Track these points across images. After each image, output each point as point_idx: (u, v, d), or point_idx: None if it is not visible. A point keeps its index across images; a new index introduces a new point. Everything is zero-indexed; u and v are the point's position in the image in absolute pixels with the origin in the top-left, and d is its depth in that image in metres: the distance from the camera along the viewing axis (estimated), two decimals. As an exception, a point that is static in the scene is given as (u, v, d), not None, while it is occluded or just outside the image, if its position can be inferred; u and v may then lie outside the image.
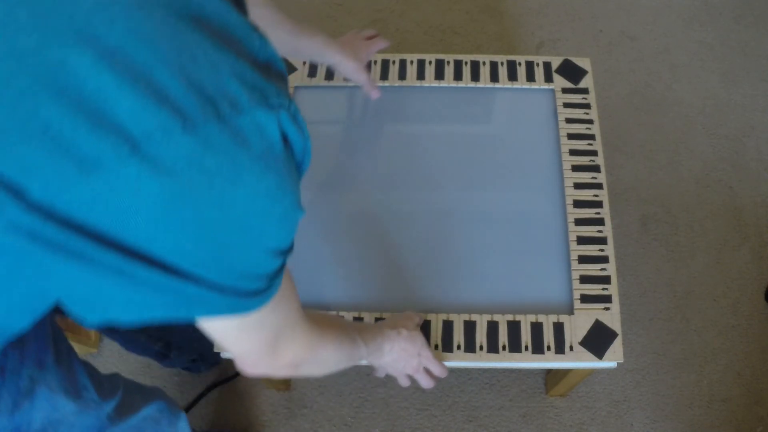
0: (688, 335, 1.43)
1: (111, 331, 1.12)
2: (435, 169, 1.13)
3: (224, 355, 0.99)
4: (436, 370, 0.94)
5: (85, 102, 0.38)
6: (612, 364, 0.97)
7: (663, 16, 1.86)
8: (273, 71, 0.46)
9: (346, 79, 1.14)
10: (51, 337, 0.72)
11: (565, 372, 1.17)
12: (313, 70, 1.21)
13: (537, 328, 0.98)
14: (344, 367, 0.80)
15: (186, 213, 0.41)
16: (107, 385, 0.81)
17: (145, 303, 0.45)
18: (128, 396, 0.85)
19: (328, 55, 1.03)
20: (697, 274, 1.49)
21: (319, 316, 0.73)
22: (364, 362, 0.87)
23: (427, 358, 0.93)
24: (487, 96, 1.20)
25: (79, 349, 1.34)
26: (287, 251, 0.52)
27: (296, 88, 1.21)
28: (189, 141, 0.39)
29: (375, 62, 1.22)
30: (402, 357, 0.91)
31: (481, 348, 0.97)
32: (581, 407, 1.36)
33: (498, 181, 1.11)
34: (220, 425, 1.35)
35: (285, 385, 1.36)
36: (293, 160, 0.48)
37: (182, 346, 1.25)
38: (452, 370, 1.37)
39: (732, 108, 1.71)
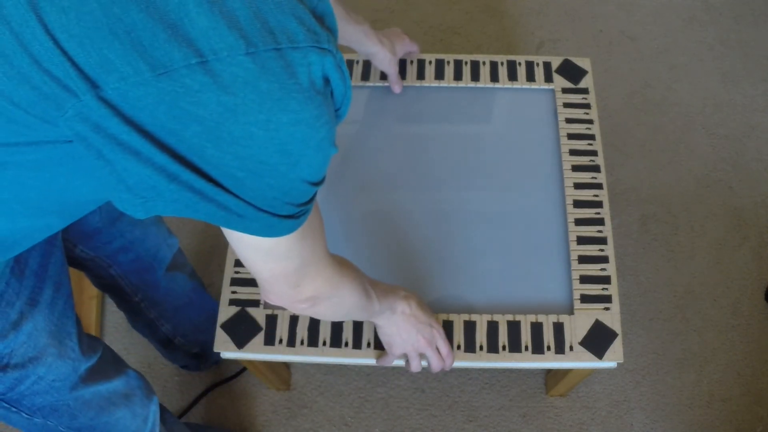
0: (688, 335, 1.43)
1: (121, 299, 1.13)
2: (435, 169, 1.13)
3: (224, 355, 0.99)
4: (445, 350, 0.93)
5: (167, 14, 0.42)
6: (612, 364, 0.97)
7: (663, 16, 1.86)
8: (326, 24, 0.50)
9: (371, 75, 1.14)
10: (53, 279, 0.76)
11: (565, 372, 1.17)
12: (366, 72, 1.22)
13: (537, 329, 0.98)
14: (355, 318, 0.83)
15: (236, 129, 0.46)
16: (88, 343, 0.84)
17: (188, 205, 0.50)
18: (104, 362, 0.87)
19: (368, 44, 1.07)
20: (697, 274, 1.49)
21: (341, 258, 0.76)
22: (373, 320, 0.88)
23: (439, 332, 0.93)
24: (488, 96, 1.20)
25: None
26: (319, 182, 0.56)
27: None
28: (249, 63, 0.44)
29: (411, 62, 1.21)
30: (413, 325, 0.90)
31: (481, 348, 0.96)
32: (581, 407, 1.36)
33: (498, 181, 1.11)
34: (220, 425, 1.35)
35: (285, 385, 1.36)
36: (332, 102, 0.52)
37: (187, 334, 1.25)
38: (452, 370, 1.37)
39: (732, 108, 1.71)
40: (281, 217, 0.54)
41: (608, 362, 0.96)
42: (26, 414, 0.77)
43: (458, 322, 0.99)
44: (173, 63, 0.43)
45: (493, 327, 0.98)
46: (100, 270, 1.04)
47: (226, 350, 0.98)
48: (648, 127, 1.68)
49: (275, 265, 0.63)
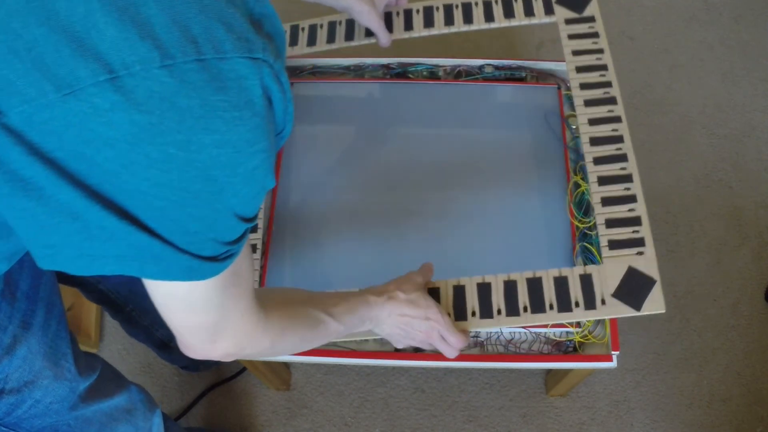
0: (688, 335, 1.43)
1: (114, 311, 1.13)
2: (435, 167, 1.13)
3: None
4: (452, 339, 0.84)
5: (71, 26, 0.38)
6: (612, 364, 0.97)
7: (663, 16, 1.86)
8: (264, 29, 0.45)
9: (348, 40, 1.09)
10: (45, 300, 0.74)
11: (565, 372, 1.17)
12: (312, 38, 1.16)
13: (561, 283, 0.87)
14: (312, 347, 0.76)
15: (153, 151, 0.41)
16: (85, 362, 0.82)
17: (97, 251, 0.45)
18: (103, 380, 0.85)
19: None
20: (697, 274, 1.49)
21: (277, 298, 0.70)
22: (365, 332, 0.83)
23: (439, 322, 0.83)
24: (489, 93, 1.20)
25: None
26: (250, 219, 0.50)
27: (294, 84, 1.21)
28: (165, 77, 0.39)
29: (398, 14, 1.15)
30: (404, 324, 0.82)
31: (499, 312, 0.86)
32: (581, 407, 1.36)
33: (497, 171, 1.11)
34: (220, 425, 1.35)
35: (285, 385, 1.36)
36: (272, 122, 0.47)
37: None
38: (452, 371, 1.37)
39: (732, 108, 1.71)
40: (203, 258, 0.48)
41: (648, 312, 0.83)
42: None
43: (471, 286, 0.91)
44: (80, 81, 0.38)
45: (510, 287, 0.89)
46: (89, 286, 1.04)
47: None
48: (648, 127, 1.68)
49: (190, 316, 0.56)
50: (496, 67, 1.22)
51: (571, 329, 1.00)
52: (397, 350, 0.99)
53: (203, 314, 0.57)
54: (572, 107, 1.19)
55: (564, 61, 1.24)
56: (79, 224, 0.44)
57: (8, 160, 0.41)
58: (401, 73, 1.22)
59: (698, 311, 1.46)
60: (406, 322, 0.83)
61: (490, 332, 1.00)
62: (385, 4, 1.10)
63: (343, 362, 1.00)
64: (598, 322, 1.01)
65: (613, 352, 0.98)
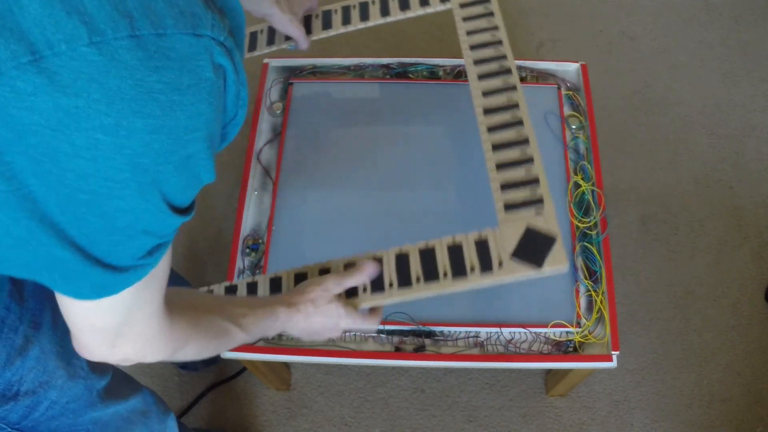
0: (688, 335, 1.43)
1: None
2: (435, 167, 1.13)
3: (224, 354, 0.99)
4: (365, 328, 0.82)
5: None
6: (612, 364, 0.97)
7: (663, 16, 1.86)
8: (217, 3, 0.42)
9: (287, 38, 1.08)
10: (51, 300, 0.72)
11: (565, 372, 1.17)
12: (271, 38, 1.12)
13: (455, 250, 0.83)
14: (213, 355, 0.72)
15: (78, 138, 0.38)
16: (97, 362, 0.81)
17: (4, 253, 0.43)
18: (117, 382, 0.84)
19: (263, 5, 0.99)
20: (697, 274, 1.49)
21: (184, 303, 0.66)
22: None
23: (348, 326, 0.80)
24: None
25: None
26: (183, 211, 0.47)
27: (294, 84, 1.21)
28: (93, 55, 0.36)
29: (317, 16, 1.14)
30: (312, 332, 0.79)
31: (391, 285, 0.83)
32: (581, 407, 1.36)
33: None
34: (220, 425, 1.35)
35: (285, 385, 1.36)
36: (222, 109, 0.44)
37: None
38: (452, 371, 1.37)
39: (732, 108, 1.71)
40: (120, 270, 0.45)
41: (550, 270, 0.78)
42: None
43: (388, 257, 0.86)
44: (0, 63, 0.35)
45: (402, 260, 0.85)
46: None
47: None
48: (648, 127, 1.68)
49: (92, 318, 0.53)
50: (496, 67, 1.22)
51: (571, 329, 1.00)
52: (397, 350, 1.00)
53: (108, 317, 0.53)
54: (572, 107, 1.19)
55: (564, 61, 1.24)
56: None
57: None
58: (401, 73, 1.22)
59: (698, 311, 1.46)
60: (315, 330, 0.80)
61: (490, 332, 1.01)
62: (305, 10, 1.09)
63: (343, 362, 1.00)
64: (598, 321, 1.01)
65: (613, 352, 0.98)
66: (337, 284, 0.80)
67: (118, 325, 0.54)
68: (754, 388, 1.38)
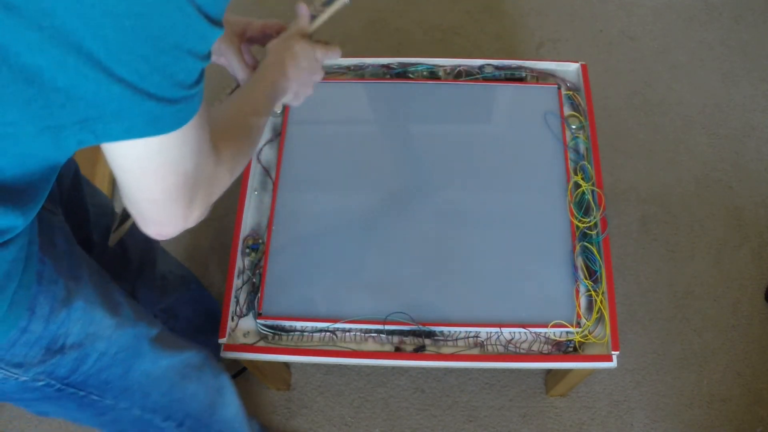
0: (688, 335, 1.43)
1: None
2: (434, 166, 1.13)
3: (224, 354, 0.99)
4: (336, 54, 0.84)
5: None
6: (612, 364, 0.97)
7: (663, 16, 1.86)
8: None
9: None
10: (84, 258, 0.73)
11: (565, 372, 1.17)
12: None
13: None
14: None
15: None
16: (145, 312, 0.80)
17: (56, 121, 0.44)
18: (167, 334, 0.83)
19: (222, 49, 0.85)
20: (697, 274, 1.49)
21: (218, 125, 0.64)
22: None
23: (325, 58, 0.82)
24: (489, 93, 1.20)
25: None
26: (215, 21, 0.48)
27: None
28: None
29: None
30: (302, 79, 0.80)
31: None
32: (581, 407, 1.36)
33: (497, 181, 1.11)
34: (220, 425, 1.35)
35: (285, 385, 1.36)
36: None
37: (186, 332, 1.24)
38: (452, 371, 1.37)
39: (732, 108, 1.71)
40: (169, 100, 0.46)
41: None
42: (96, 395, 0.74)
43: None
44: None
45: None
46: None
47: (229, 349, 0.99)
48: (648, 127, 1.68)
49: (167, 173, 0.53)
50: (496, 67, 1.22)
51: (571, 329, 1.00)
52: (397, 350, 1.00)
53: (181, 165, 0.53)
54: (572, 107, 1.19)
55: (564, 61, 1.24)
56: (35, 90, 0.42)
57: None
58: (401, 73, 1.22)
59: (698, 311, 1.46)
60: (302, 78, 0.80)
61: (490, 332, 1.01)
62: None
63: (343, 362, 1.01)
64: (598, 321, 1.01)
65: (613, 352, 0.98)
66: (294, 32, 0.82)
67: (192, 172, 0.55)
68: (754, 388, 1.38)
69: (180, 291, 1.18)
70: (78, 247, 0.74)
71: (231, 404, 0.94)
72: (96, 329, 0.71)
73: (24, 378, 0.66)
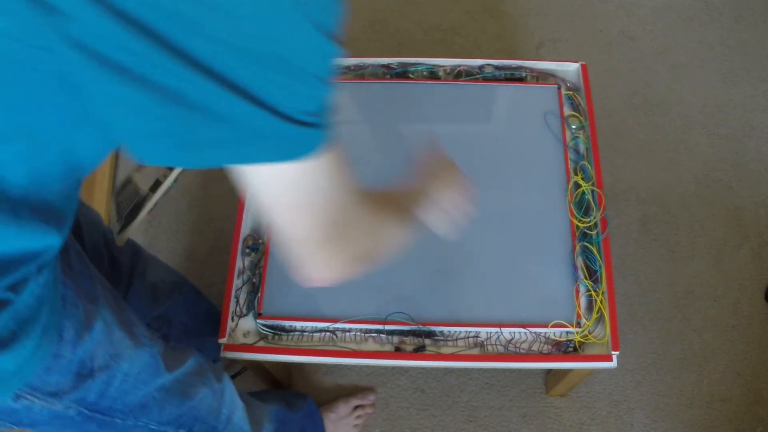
0: (688, 335, 1.43)
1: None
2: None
3: (224, 354, 0.99)
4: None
5: None
6: (612, 364, 0.97)
7: (663, 16, 1.86)
8: None
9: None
10: (95, 275, 0.73)
11: (565, 372, 1.17)
12: None
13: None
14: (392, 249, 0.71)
15: None
16: (148, 330, 0.80)
17: (197, 138, 0.43)
18: (170, 347, 0.83)
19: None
20: (697, 274, 1.49)
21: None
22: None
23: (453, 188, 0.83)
24: (489, 93, 1.20)
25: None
26: (327, 81, 0.47)
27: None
28: None
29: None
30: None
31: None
32: (581, 407, 1.36)
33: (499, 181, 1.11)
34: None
35: (285, 385, 1.36)
36: None
37: (180, 339, 1.24)
38: (452, 371, 1.37)
39: (732, 108, 1.71)
40: (302, 123, 0.44)
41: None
42: (120, 418, 0.74)
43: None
44: None
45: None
46: None
47: (229, 349, 0.98)
48: (648, 127, 1.68)
49: (307, 208, 0.51)
50: (496, 67, 1.22)
51: (571, 329, 1.00)
52: (397, 350, 1.00)
53: (319, 204, 0.52)
54: (572, 107, 1.19)
55: (564, 61, 1.24)
56: (178, 107, 0.41)
57: (97, 37, 0.39)
58: (401, 73, 1.22)
59: (698, 311, 1.46)
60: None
61: (490, 332, 1.01)
62: None
63: (343, 362, 1.01)
64: (598, 321, 1.01)
65: (613, 352, 0.98)
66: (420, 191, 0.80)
67: (334, 212, 0.53)
68: (754, 388, 1.38)
69: (173, 297, 1.17)
70: (92, 266, 0.75)
71: (235, 405, 0.95)
72: (117, 349, 0.71)
73: (57, 407, 0.66)
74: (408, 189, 0.78)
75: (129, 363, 0.73)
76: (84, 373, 0.67)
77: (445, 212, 0.82)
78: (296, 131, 0.44)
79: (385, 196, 0.72)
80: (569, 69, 1.23)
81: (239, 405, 0.96)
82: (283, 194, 0.50)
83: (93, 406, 0.70)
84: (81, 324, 0.66)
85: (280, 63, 0.42)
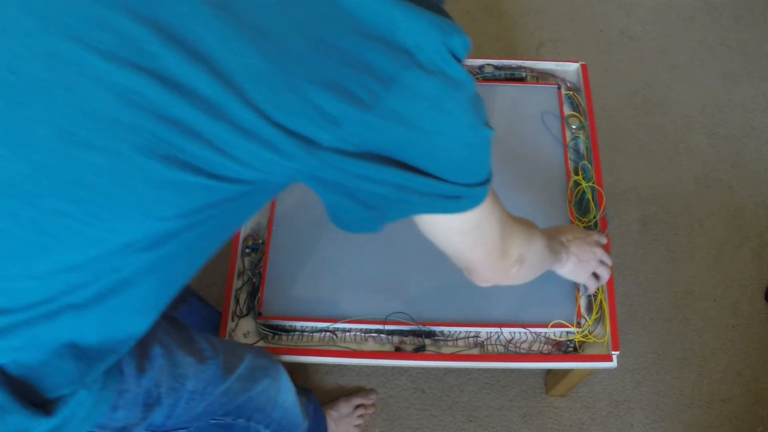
0: (688, 335, 1.43)
1: None
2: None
3: (224, 355, 0.99)
4: (609, 260, 0.99)
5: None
6: (612, 364, 0.97)
7: (663, 16, 1.86)
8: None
9: None
10: None
11: (565, 372, 1.17)
12: None
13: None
14: (544, 268, 0.87)
15: (454, 106, 0.55)
16: (210, 341, 0.80)
17: (412, 204, 0.59)
18: (228, 353, 0.83)
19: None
20: (697, 274, 1.49)
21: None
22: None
23: (602, 249, 0.99)
24: (489, 93, 1.20)
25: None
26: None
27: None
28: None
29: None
30: (585, 251, 0.96)
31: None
32: (581, 407, 1.36)
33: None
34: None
35: (285, 385, 1.36)
36: None
37: None
38: (452, 371, 1.37)
39: (732, 108, 1.71)
40: (480, 184, 0.61)
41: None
42: (183, 428, 0.75)
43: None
44: (394, 70, 0.49)
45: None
46: None
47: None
48: (648, 127, 1.68)
49: (486, 240, 0.68)
50: (496, 67, 1.22)
51: (571, 329, 1.00)
52: (397, 350, 1.00)
53: (491, 231, 0.68)
54: (572, 107, 1.19)
55: (564, 61, 1.24)
56: (403, 192, 0.56)
57: (346, 176, 0.54)
58: (401, 73, 1.22)
59: (698, 311, 1.46)
60: (585, 249, 0.96)
61: (490, 332, 1.01)
62: None
63: (343, 362, 1.01)
64: (598, 321, 1.01)
65: (613, 352, 0.98)
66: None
67: (500, 235, 0.70)
68: (754, 388, 1.38)
69: (178, 308, 1.17)
70: None
71: (288, 390, 0.95)
72: (181, 370, 0.70)
73: None
74: (562, 231, 0.96)
75: (194, 381, 0.72)
76: (151, 402, 0.66)
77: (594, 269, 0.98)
78: (479, 190, 0.62)
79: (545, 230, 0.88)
80: (569, 69, 1.23)
81: (292, 390, 0.96)
82: (471, 235, 0.67)
83: (159, 428, 0.70)
84: (139, 353, 0.65)
85: (471, 161, 0.60)
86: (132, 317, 0.61)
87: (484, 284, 0.75)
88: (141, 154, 0.49)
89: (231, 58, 0.46)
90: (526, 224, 0.78)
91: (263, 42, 0.46)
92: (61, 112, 0.48)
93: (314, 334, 1.01)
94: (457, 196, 0.59)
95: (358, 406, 1.31)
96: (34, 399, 0.57)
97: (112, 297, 0.57)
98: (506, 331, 1.00)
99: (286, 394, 0.94)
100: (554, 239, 0.88)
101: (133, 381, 0.64)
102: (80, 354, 0.58)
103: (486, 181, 0.62)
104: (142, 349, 0.66)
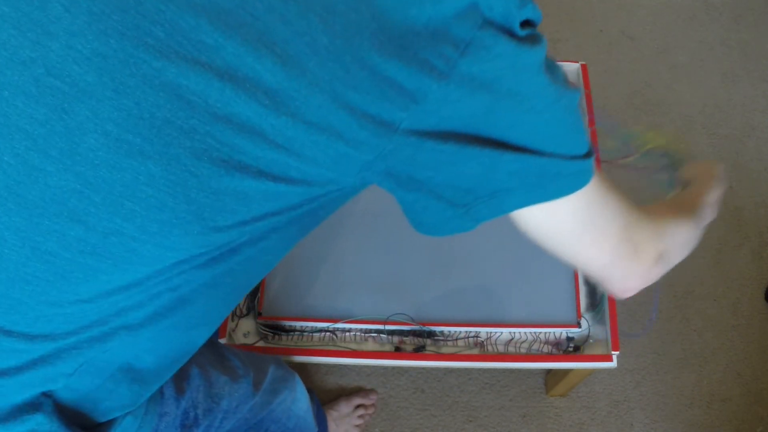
0: (688, 335, 1.43)
1: None
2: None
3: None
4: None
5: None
6: (612, 364, 0.97)
7: (663, 16, 1.86)
8: None
9: None
10: None
11: (565, 372, 1.17)
12: None
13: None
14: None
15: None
16: (243, 359, 0.80)
17: (501, 194, 0.50)
18: (256, 369, 0.83)
19: None
20: (697, 274, 1.49)
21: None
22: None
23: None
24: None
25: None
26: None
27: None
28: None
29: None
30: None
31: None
32: (581, 407, 1.36)
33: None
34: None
35: (285, 385, 1.36)
36: None
37: None
38: (452, 371, 1.37)
39: (732, 108, 1.71)
40: (581, 156, 0.50)
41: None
42: None
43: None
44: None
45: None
46: None
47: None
48: (648, 127, 1.68)
49: (606, 234, 0.56)
50: (496, 67, 1.22)
51: (571, 329, 1.00)
52: (397, 350, 1.00)
53: (610, 225, 0.56)
54: (572, 107, 1.19)
55: (564, 61, 1.24)
56: (460, 210, 0.52)
57: (420, 167, 0.49)
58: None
59: (698, 311, 1.46)
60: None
61: (490, 332, 1.01)
62: None
63: (343, 362, 1.00)
64: (598, 321, 1.01)
65: (613, 352, 0.98)
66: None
67: (623, 228, 0.57)
68: (754, 388, 1.38)
69: None
70: None
71: (303, 398, 0.95)
72: (217, 390, 0.69)
73: None
74: (690, 191, 0.81)
75: (228, 400, 0.71)
76: (188, 423, 0.66)
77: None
78: (579, 164, 0.51)
79: (673, 200, 0.78)
80: (569, 69, 1.23)
81: (306, 397, 0.96)
82: (583, 236, 0.55)
83: None
84: (177, 373, 0.63)
85: (563, 125, 0.50)
86: (188, 334, 0.58)
87: (625, 295, 0.63)
88: (197, 159, 0.45)
89: (294, 38, 0.42)
90: (664, 210, 0.66)
91: (327, 17, 0.42)
92: (111, 118, 0.44)
93: (314, 334, 1.01)
94: (557, 173, 0.49)
95: (358, 406, 1.31)
96: (83, 423, 0.55)
97: (168, 316, 0.53)
98: (506, 331, 1.00)
99: (300, 402, 0.93)
100: (696, 206, 0.76)
101: (172, 403, 0.63)
102: (136, 377, 0.56)
103: (588, 154, 0.51)
104: (179, 369, 0.63)
